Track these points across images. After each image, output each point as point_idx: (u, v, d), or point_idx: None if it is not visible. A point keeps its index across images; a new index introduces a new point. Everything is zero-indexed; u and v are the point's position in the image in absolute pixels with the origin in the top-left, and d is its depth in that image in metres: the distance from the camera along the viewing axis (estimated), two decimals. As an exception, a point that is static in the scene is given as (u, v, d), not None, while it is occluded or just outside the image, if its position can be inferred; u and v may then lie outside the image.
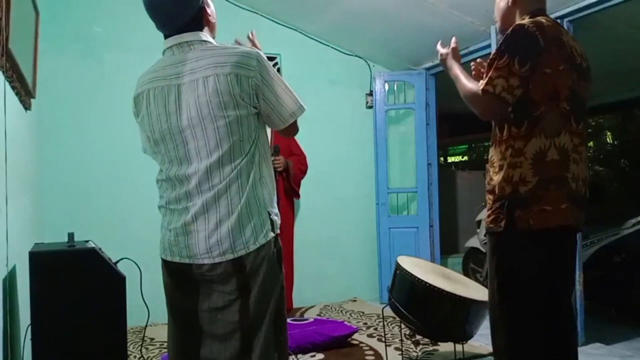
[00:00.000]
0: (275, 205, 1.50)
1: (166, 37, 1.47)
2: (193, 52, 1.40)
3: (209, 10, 1.51)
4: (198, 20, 1.46)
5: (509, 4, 1.75)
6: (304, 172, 3.89)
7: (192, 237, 1.39)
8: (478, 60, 1.93)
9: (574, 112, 1.63)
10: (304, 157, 3.90)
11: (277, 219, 1.47)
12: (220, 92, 1.34)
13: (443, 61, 1.90)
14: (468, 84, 1.72)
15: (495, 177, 1.67)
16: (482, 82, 1.64)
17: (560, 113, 1.60)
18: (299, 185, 3.87)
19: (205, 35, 1.46)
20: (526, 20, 1.63)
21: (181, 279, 1.45)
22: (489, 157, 1.75)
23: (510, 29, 1.63)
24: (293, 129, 1.52)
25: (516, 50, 1.58)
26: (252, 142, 1.41)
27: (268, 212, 1.43)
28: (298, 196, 3.93)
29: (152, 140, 1.47)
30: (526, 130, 1.61)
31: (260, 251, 1.39)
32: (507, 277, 1.66)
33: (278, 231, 1.47)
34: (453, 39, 1.92)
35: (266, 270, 1.41)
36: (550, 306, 1.64)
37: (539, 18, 1.64)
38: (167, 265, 1.49)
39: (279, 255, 1.47)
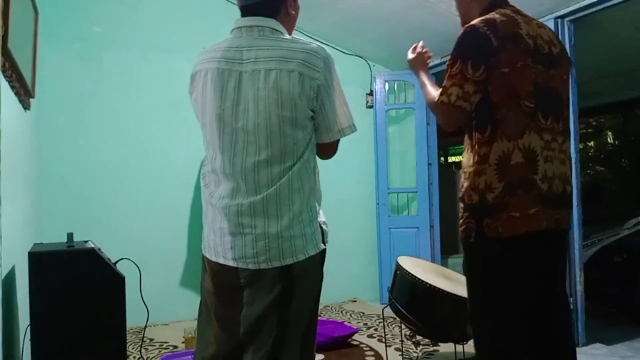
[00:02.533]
0: (322, 214, 1.45)
1: (242, 14, 1.40)
2: (261, 40, 1.33)
3: (292, 1, 1.44)
4: (276, 4, 1.39)
5: None
6: None
7: (238, 239, 1.32)
8: None
9: (540, 108, 1.55)
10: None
11: (327, 228, 1.43)
12: (279, 90, 1.28)
13: (411, 67, 1.87)
14: (431, 93, 1.67)
15: (465, 184, 1.61)
16: (439, 92, 1.59)
17: (521, 112, 1.52)
18: None
19: (278, 24, 1.38)
20: (477, 21, 1.56)
21: (223, 283, 1.38)
22: (462, 164, 1.68)
23: (462, 31, 1.56)
24: (334, 148, 1.45)
25: (468, 55, 1.52)
26: (306, 146, 1.35)
27: (319, 222, 1.39)
28: None
29: (201, 123, 1.41)
30: (489, 135, 1.53)
31: (307, 260, 1.34)
32: (483, 289, 1.61)
33: (327, 241, 1.43)
34: (420, 43, 1.88)
35: (310, 278, 1.37)
36: (534, 313, 1.57)
37: (491, 15, 1.57)
38: (210, 266, 1.41)
39: (322, 261, 1.43)
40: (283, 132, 1.30)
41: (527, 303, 1.56)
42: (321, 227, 1.40)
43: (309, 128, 1.35)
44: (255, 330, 1.32)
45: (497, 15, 1.56)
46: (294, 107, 1.29)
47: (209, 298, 1.42)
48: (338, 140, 1.43)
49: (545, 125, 1.56)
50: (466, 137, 1.65)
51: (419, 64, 1.85)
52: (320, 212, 1.44)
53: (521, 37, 1.54)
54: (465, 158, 1.64)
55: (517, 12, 1.63)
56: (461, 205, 1.63)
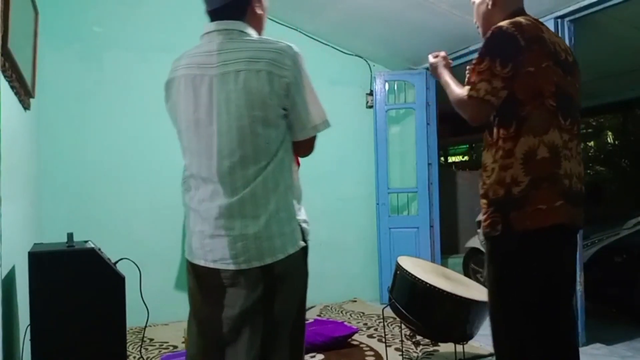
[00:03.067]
0: (303, 212, 1.45)
1: (210, 19, 1.41)
2: (230, 43, 1.35)
3: (257, 1, 1.44)
4: (242, 5, 1.40)
5: (489, 7, 1.76)
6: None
7: (217, 241, 1.34)
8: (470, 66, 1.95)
9: (561, 109, 1.62)
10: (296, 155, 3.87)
11: (307, 226, 1.44)
12: (249, 90, 1.29)
13: (434, 69, 1.92)
14: (456, 90, 1.73)
15: (487, 180, 1.66)
16: (467, 88, 1.65)
17: (546, 110, 1.59)
18: None
19: (245, 26, 1.40)
20: (504, 22, 1.63)
21: (206, 284, 1.40)
22: (482, 161, 1.73)
23: (489, 32, 1.63)
24: (310, 145, 1.46)
25: (496, 52, 1.58)
26: (280, 145, 1.35)
27: (297, 220, 1.39)
28: None
29: (177, 129, 1.43)
30: (515, 130, 1.60)
31: (288, 259, 1.35)
32: (509, 282, 1.64)
33: (308, 239, 1.43)
34: (442, 53, 1.94)
35: (293, 277, 1.38)
36: (553, 308, 1.63)
37: (517, 18, 1.64)
38: (193, 268, 1.44)
39: (305, 259, 1.44)
40: (255, 132, 1.31)
41: (544, 299, 1.62)
42: (300, 226, 1.40)
43: (282, 127, 1.36)
44: (239, 330, 1.34)
45: (522, 19, 1.64)
46: (264, 106, 1.30)
47: (194, 299, 1.45)
48: (314, 137, 1.44)
49: (564, 126, 1.63)
50: (486, 135, 1.71)
51: (441, 65, 1.90)
52: (302, 210, 1.45)
53: (545, 40, 1.63)
54: (486, 156, 1.70)
55: (537, 20, 1.71)
56: (484, 201, 1.68)
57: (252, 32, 1.41)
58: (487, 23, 1.77)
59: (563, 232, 1.62)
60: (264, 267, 1.32)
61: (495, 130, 1.65)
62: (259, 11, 1.45)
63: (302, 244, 1.40)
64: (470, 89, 1.62)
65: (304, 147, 1.46)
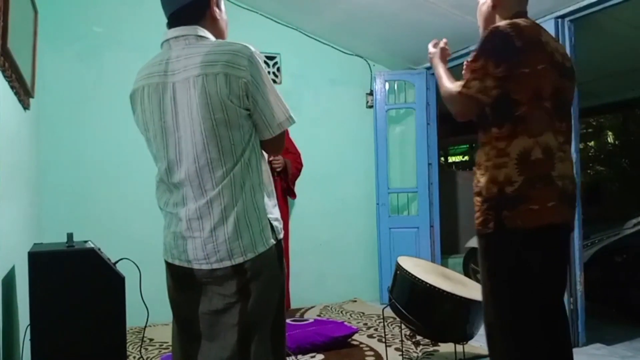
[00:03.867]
0: (276, 210, 1.47)
1: (169, 26, 1.43)
2: (188, 49, 1.36)
3: (215, 5, 1.46)
4: (199, 10, 1.42)
5: (490, 8, 1.78)
6: (299, 170, 3.88)
7: (189, 242, 1.38)
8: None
9: (556, 111, 1.64)
10: (299, 155, 3.88)
11: (278, 224, 1.45)
12: (208, 94, 1.31)
13: (430, 59, 1.95)
14: (447, 84, 1.76)
15: (481, 178, 1.68)
16: (459, 84, 1.67)
17: (543, 112, 1.61)
18: (294, 184, 3.86)
19: (202, 30, 1.41)
20: (502, 23, 1.65)
21: (183, 282, 1.44)
22: (476, 159, 1.75)
23: (487, 31, 1.65)
24: (279, 142, 1.46)
25: (491, 52, 1.61)
26: (246, 145, 1.37)
27: (268, 218, 1.41)
28: (294, 195, 3.91)
29: (146, 138, 1.47)
30: (508, 130, 1.62)
31: (260, 257, 1.37)
32: (500, 279, 1.65)
33: (280, 237, 1.45)
34: (443, 40, 1.96)
35: (267, 275, 1.40)
36: (546, 306, 1.64)
37: (516, 20, 1.66)
38: (169, 268, 1.48)
39: (280, 259, 1.46)
40: (218, 135, 1.33)
41: (536, 296, 1.62)
42: (272, 224, 1.42)
43: (246, 127, 1.37)
44: (214, 327, 1.37)
45: (521, 21, 1.66)
46: (225, 108, 1.32)
47: (172, 298, 1.49)
48: (282, 134, 1.44)
49: (559, 128, 1.65)
50: (480, 133, 1.73)
51: (437, 57, 1.92)
52: (275, 208, 1.46)
53: (542, 43, 1.65)
54: (480, 154, 1.72)
55: (538, 24, 1.73)
56: (477, 199, 1.69)
57: (210, 36, 1.43)
58: (487, 24, 1.79)
59: (555, 231, 1.63)
60: (236, 267, 1.35)
61: (488, 129, 1.67)
62: (217, 17, 1.47)
63: (273, 242, 1.41)
64: (463, 86, 1.65)
65: (273, 146, 1.47)
